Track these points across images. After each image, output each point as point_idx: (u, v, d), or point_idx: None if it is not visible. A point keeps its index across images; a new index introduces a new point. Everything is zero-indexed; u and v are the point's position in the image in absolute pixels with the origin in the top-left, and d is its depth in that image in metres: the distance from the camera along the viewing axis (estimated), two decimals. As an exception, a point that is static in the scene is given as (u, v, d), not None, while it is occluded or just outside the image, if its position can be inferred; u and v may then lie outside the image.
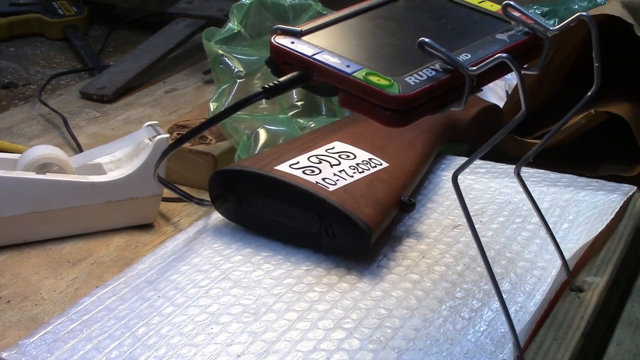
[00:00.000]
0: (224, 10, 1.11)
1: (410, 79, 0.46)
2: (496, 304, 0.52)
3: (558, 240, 0.55)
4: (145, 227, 0.67)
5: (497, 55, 0.47)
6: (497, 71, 0.48)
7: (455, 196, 0.48)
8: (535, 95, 0.80)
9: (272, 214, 0.60)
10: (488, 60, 0.47)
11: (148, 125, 0.67)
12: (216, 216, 0.64)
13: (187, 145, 0.74)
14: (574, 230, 0.62)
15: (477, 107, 0.78)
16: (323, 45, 0.49)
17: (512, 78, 0.89)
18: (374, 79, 0.46)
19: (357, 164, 0.62)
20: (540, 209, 0.55)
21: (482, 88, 0.51)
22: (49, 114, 0.92)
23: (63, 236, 0.65)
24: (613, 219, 0.63)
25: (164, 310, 0.52)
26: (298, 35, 0.49)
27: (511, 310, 0.51)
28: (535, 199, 0.55)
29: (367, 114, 0.48)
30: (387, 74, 0.46)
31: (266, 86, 0.48)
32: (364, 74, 0.46)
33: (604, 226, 0.62)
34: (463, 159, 0.74)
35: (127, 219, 0.67)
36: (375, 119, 0.48)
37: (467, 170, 0.48)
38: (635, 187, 0.68)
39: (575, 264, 0.58)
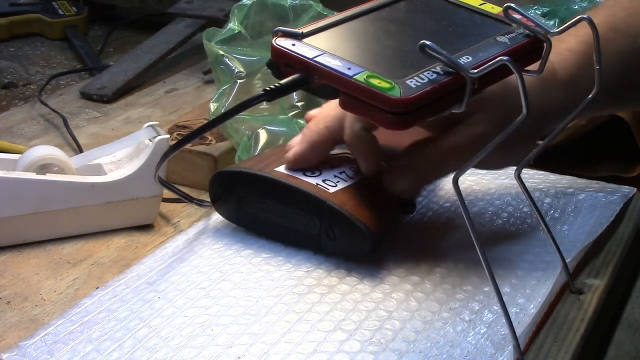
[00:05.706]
0: (224, 10, 1.11)
1: (411, 81, 0.46)
2: (496, 306, 0.52)
3: (558, 242, 0.55)
4: (145, 227, 0.67)
5: (498, 58, 0.47)
6: (498, 73, 0.48)
7: (455, 198, 0.48)
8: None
9: (273, 215, 0.60)
10: (489, 63, 0.47)
11: (148, 126, 0.67)
12: (216, 217, 0.64)
13: (187, 145, 0.74)
14: (574, 232, 0.62)
15: None
16: (324, 47, 0.49)
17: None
18: (375, 81, 0.46)
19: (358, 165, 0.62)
20: (540, 211, 0.55)
21: (483, 91, 0.51)
22: (49, 114, 0.92)
23: (63, 237, 0.65)
24: (613, 220, 0.63)
25: (164, 312, 0.52)
26: (299, 37, 0.49)
27: (511, 313, 0.51)
28: (535, 200, 0.55)
29: (368, 116, 0.48)
30: (389, 76, 0.46)
31: (267, 89, 0.48)
32: (365, 76, 0.46)
33: (604, 228, 0.62)
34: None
35: (127, 220, 0.66)
36: (376, 122, 0.48)
37: (467, 171, 0.48)
38: (635, 189, 0.68)
39: (575, 266, 0.58)
